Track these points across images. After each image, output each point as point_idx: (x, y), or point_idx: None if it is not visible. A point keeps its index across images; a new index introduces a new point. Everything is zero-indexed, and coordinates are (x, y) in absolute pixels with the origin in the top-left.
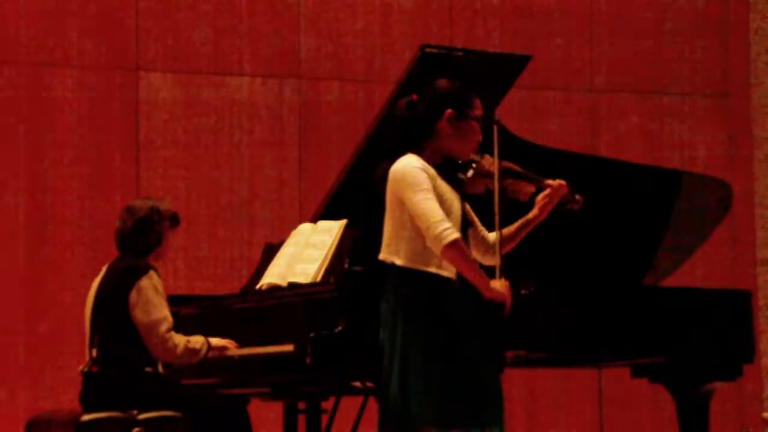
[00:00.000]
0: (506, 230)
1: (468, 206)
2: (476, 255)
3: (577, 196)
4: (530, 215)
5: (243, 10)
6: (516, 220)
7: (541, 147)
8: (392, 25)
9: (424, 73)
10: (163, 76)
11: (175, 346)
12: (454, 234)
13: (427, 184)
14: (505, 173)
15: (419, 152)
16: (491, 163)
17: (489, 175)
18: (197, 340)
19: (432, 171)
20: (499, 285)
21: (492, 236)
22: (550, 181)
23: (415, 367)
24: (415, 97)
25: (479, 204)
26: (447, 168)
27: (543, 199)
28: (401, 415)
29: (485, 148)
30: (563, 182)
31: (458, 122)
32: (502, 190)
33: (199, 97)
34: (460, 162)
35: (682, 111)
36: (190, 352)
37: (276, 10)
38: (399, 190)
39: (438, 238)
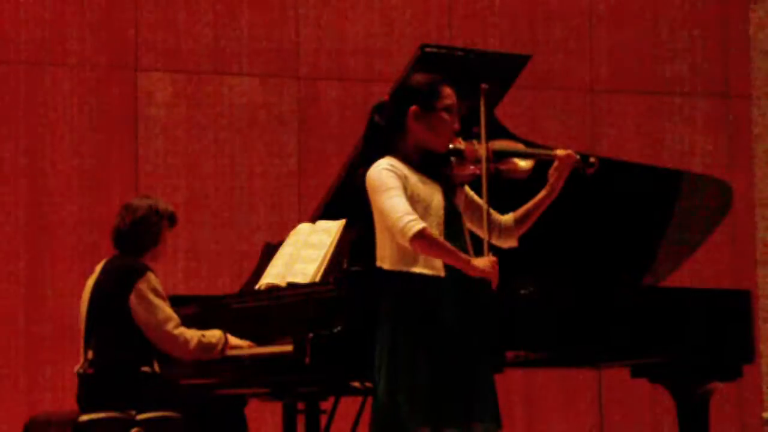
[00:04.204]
0: (518, 212)
1: (468, 196)
2: (493, 241)
3: (591, 159)
4: (543, 193)
5: (243, 10)
6: (522, 198)
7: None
8: (392, 25)
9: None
10: (163, 76)
11: (187, 341)
12: (418, 224)
13: (392, 182)
14: (496, 155)
15: (396, 153)
16: (477, 148)
17: (476, 161)
18: (213, 335)
19: (404, 170)
20: (482, 261)
21: (504, 218)
22: (558, 152)
23: (404, 367)
24: (386, 97)
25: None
26: (429, 162)
27: (553, 173)
28: (390, 416)
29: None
30: (571, 152)
31: (425, 115)
32: (493, 173)
33: (198, 97)
34: (442, 154)
35: (682, 111)
36: (205, 347)
37: (276, 10)
38: (371, 196)
39: (402, 232)
